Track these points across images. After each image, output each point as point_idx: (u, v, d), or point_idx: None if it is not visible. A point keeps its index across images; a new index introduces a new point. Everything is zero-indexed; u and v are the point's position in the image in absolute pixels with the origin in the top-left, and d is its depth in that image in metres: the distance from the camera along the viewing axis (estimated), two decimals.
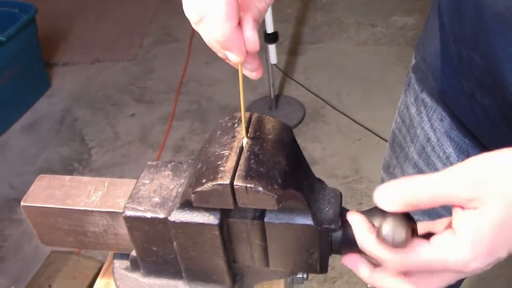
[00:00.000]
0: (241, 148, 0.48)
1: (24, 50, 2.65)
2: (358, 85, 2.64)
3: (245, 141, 0.48)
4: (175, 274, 0.56)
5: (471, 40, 0.58)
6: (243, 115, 0.46)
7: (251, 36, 0.40)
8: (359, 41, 2.96)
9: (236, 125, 0.50)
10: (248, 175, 0.45)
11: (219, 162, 0.47)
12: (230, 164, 0.46)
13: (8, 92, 2.60)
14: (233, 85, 2.69)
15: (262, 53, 2.37)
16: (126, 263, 0.58)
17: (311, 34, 3.08)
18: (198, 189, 0.46)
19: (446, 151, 0.73)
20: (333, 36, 3.04)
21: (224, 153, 0.47)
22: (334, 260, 1.94)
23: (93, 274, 1.09)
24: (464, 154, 0.72)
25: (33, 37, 2.71)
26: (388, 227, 0.44)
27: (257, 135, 0.49)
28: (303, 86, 2.65)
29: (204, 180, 0.46)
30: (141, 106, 2.73)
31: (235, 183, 0.44)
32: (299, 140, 2.41)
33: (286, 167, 0.47)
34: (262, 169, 0.46)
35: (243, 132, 0.48)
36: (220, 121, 0.52)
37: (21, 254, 2.08)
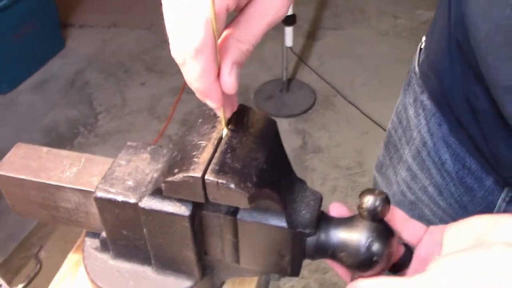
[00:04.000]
0: (220, 140, 0.45)
1: (41, 8, 2.63)
2: (374, 76, 2.59)
3: (224, 132, 0.46)
4: (145, 260, 0.54)
5: (473, 51, 0.56)
6: (223, 111, 0.44)
7: (227, 81, 0.40)
8: (380, 32, 2.90)
9: (218, 114, 0.47)
10: (222, 170, 0.43)
11: (195, 153, 0.44)
12: (205, 156, 0.44)
13: (22, 48, 2.60)
14: (247, 64, 2.62)
15: (279, 35, 2.33)
16: (97, 242, 0.57)
17: (331, 20, 3.02)
18: (169, 179, 0.44)
19: (442, 157, 0.71)
20: (353, 24, 2.98)
21: (201, 143, 0.45)
22: None
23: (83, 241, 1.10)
24: (460, 163, 0.69)
25: None
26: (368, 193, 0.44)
27: (238, 127, 0.46)
28: (316, 73, 2.60)
29: (176, 170, 0.44)
30: (152, 75, 2.72)
31: (206, 177, 0.42)
32: (307, 126, 2.40)
33: (264, 164, 0.45)
34: (237, 165, 0.43)
35: (223, 123, 0.45)
36: (204, 108, 0.49)
37: None
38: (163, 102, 2.55)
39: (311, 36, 2.90)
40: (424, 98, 0.72)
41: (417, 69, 0.74)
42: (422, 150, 0.74)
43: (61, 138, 2.38)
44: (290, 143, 2.26)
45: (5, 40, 2.49)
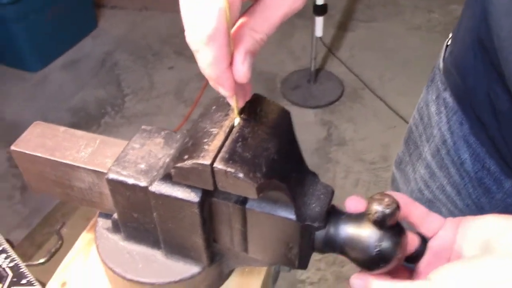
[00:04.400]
0: (232, 128, 0.45)
1: None
2: (404, 71, 2.55)
3: (237, 121, 0.45)
4: (154, 243, 0.54)
5: (496, 50, 0.54)
6: (236, 100, 0.43)
7: (240, 69, 0.40)
8: (413, 26, 2.85)
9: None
10: (231, 159, 0.42)
11: (206, 140, 0.44)
12: (215, 143, 0.44)
13: (54, 27, 2.63)
14: (275, 52, 2.63)
15: (308, 25, 2.31)
16: (109, 223, 0.57)
17: (364, 11, 2.97)
18: (179, 164, 0.44)
19: (462, 157, 0.69)
20: (387, 17, 2.93)
21: (212, 130, 0.45)
22: None
23: None
24: (479, 163, 0.67)
25: None
26: (377, 198, 0.43)
27: (251, 116, 0.46)
28: (345, 65, 2.57)
29: (186, 156, 0.44)
30: (181, 60, 2.72)
31: (215, 165, 0.42)
32: (333, 118, 2.37)
33: (275, 155, 0.44)
34: (247, 154, 0.43)
35: (235, 111, 0.45)
36: (218, 96, 0.49)
37: None
38: (190, 87, 2.56)
39: (342, 27, 2.86)
40: (447, 95, 0.70)
41: (441, 65, 0.73)
42: (441, 148, 0.72)
43: (88, 118, 2.41)
44: (315, 134, 2.24)
45: (39, 18, 2.53)
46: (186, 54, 2.75)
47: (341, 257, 1.54)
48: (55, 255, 1.25)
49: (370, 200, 0.44)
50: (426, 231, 0.49)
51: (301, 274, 1.80)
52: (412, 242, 0.48)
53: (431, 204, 0.80)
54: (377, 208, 0.43)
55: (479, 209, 0.72)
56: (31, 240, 1.89)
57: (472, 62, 0.64)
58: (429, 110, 0.75)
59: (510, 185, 0.66)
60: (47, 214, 1.93)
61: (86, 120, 2.40)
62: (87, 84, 2.61)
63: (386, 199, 0.43)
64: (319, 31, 2.27)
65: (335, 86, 2.48)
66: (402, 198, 0.48)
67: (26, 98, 2.54)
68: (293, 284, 1.76)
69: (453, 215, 0.77)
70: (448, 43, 0.74)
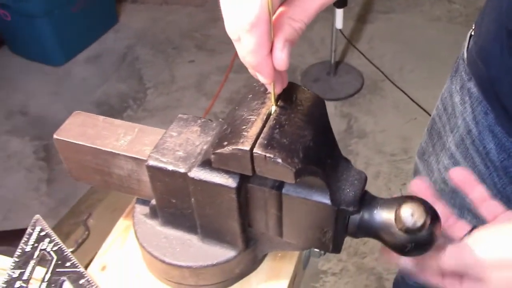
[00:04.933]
0: (269, 116, 0.47)
1: None
2: (424, 62, 2.54)
3: (273, 108, 0.47)
4: (191, 228, 0.56)
5: None
6: (274, 86, 0.45)
7: (279, 57, 0.41)
8: (433, 17, 2.83)
9: (268, 91, 0.49)
10: (269, 145, 0.44)
11: (244, 127, 0.46)
12: (254, 130, 0.45)
13: (78, 21, 2.67)
14: (296, 45, 2.64)
15: (329, 16, 2.31)
16: (147, 209, 0.59)
17: (383, 3, 2.96)
18: (218, 150, 0.45)
19: (487, 147, 0.70)
20: (406, 8, 2.92)
21: (250, 118, 0.47)
22: None
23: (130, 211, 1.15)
24: (505, 152, 0.68)
25: None
26: (407, 209, 0.44)
27: (287, 104, 0.48)
28: (365, 56, 2.57)
29: (225, 143, 0.45)
30: (201, 53, 2.75)
31: (254, 150, 0.44)
32: (353, 110, 2.38)
33: (311, 142, 0.46)
34: (285, 140, 0.45)
35: (272, 99, 0.47)
36: (254, 84, 0.51)
37: (69, 180, 2.16)
38: (211, 80, 2.58)
39: (361, 19, 2.85)
40: (471, 85, 0.71)
41: (465, 55, 0.73)
42: (466, 138, 0.73)
43: (112, 111, 2.45)
44: (335, 126, 2.23)
45: (63, 13, 2.57)
46: (206, 48, 2.77)
47: (362, 248, 1.57)
48: (82, 245, 1.29)
49: (399, 204, 0.45)
50: (487, 215, 0.53)
51: (322, 264, 1.81)
52: (461, 229, 0.51)
53: (455, 195, 0.81)
54: (406, 219, 0.44)
55: (505, 198, 0.72)
56: (58, 231, 1.92)
57: (498, 52, 0.64)
58: (453, 101, 0.76)
59: None
60: (73, 206, 1.97)
61: (109, 113, 2.44)
62: (109, 78, 2.65)
63: (417, 203, 0.45)
64: (339, 23, 2.27)
65: (354, 79, 2.48)
66: (462, 174, 0.51)
67: (50, 92, 2.58)
68: (316, 274, 1.77)
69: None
70: (472, 34, 0.74)
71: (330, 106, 2.35)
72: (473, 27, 0.75)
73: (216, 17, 2.94)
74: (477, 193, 0.53)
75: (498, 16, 0.64)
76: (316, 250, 0.64)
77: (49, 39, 2.61)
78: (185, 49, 2.78)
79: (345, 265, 1.81)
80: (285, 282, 0.59)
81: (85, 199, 1.97)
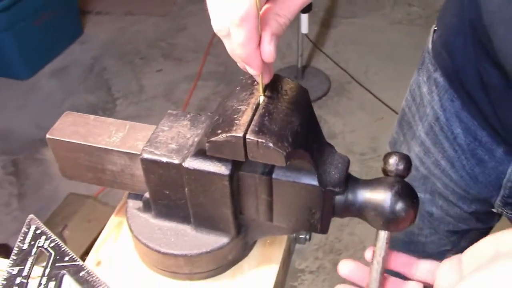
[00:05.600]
0: (258, 105, 0.50)
1: None
2: (388, 64, 2.62)
3: (262, 98, 0.50)
4: (184, 218, 0.59)
5: (486, 26, 0.59)
6: (261, 77, 0.48)
7: (267, 49, 0.44)
8: (394, 20, 2.93)
9: (255, 83, 0.52)
10: (261, 131, 0.47)
11: (235, 116, 0.49)
12: (245, 118, 0.48)
13: (42, 34, 2.65)
14: None
15: (294, 22, 2.36)
16: (139, 203, 0.61)
17: (346, 8, 3.04)
18: (213, 138, 0.48)
19: (454, 132, 0.75)
20: (368, 12, 3.01)
21: (241, 108, 0.50)
22: (341, 233, 1.96)
23: (107, 220, 1.15)
24: (471, 135, 0.73)
25: None
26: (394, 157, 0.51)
27: (274, 94, 0.51)
28: (332, 60, 2.64)
29: (219, 131, 0.48)
30: (168, 62, 2.76)
31: (247, 136, 0.47)
32: (321, 112, 2.43)
33: (298, 128, 0.49)
34: (274, 127, 0.48)
35: (260, 90, 0.50)
36: (241, 78, 0.54)
37: (41, 193, 2.16)
38: (180, 89, 2.60)
39: (326, 24, 2.93)
40: (437, 75, 0.76)
41: (430, 48, 0.78)
42: (435, 125, 0.78)
43: None
44: None
45: (26, 26, 2.55)
46: (173, 57, 2.79)
47: (337, 246, 1.62)
48: None
49: (386, 154, 0.50)
50: (424, 276, 0.51)
51: (299, 263, 1.85)
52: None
53: (426, 180, 0.86)
54: (394, 156, 0.51)
55: (473, 179, 0.78)
56: None
57: (462, 42, 0.69)
58: (421, 91, 0.81)
59: (501, 153, 0.71)
60: (47, 219, 1.96)
61: None
62: (76, 90, 2.64)
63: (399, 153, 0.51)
64: (304, 28, 2.32)
65: (322, 82, 2.54)
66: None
67: (16, 106, 2.55)
68: (294, 273, 1.81)
69: (447, 188, 0.83)
70: (435, 28, 0.80)
71: None
72: (435, 23, 0.80)
73: (181, 27, 2.97)
74: (406, 260, 0.53)
75: (459, 9, 0.69)
76: (301, 236, 0.67)
77: (13, 53, 2.59)
78: (153, 59, 2.79)
79: (322, 262, 1.85)
80: (276, 266, 0.62)
81: (59, 211, 1.96)
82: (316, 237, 1.90)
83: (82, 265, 0.56)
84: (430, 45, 0.80)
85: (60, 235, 1.92)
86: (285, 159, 0.47)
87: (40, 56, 2.72)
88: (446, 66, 0.75)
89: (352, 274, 0.52)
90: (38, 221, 0.61)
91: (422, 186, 0.87)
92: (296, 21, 2.32)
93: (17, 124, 2.45)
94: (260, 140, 0.46)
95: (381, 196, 0.50)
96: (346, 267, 0.53)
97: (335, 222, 1.87)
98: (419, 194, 0.89)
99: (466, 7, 0.66)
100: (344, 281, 0.54)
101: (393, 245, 0.52)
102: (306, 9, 2.23)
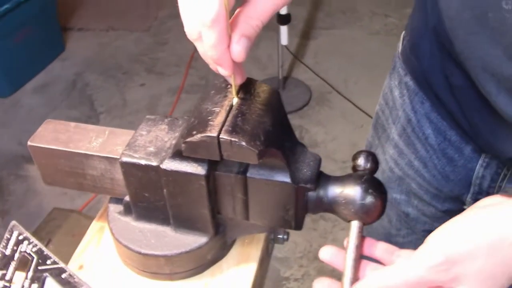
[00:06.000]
0: (231, 107, 0.52)
1: (41, 12, 2.69)
2: (366, 73, 2.67)
3: (235, 100, 0.53)
4: (164, 220, 0.61)
5: (447, 31, 0.63)
6: (233, 79, 0.51)
7: (235, 49, 0.46)
8: (372, 31, 2.98)
9: (229, 86, 0.54)
10: (234, 130, 0.49)
11: (210, 117, 0.51)
12: (219, 119, 0.51)
13: (22, 51, 2.65)
14: (245, 63, 2.72)
15: (274, 34, 2.40)
16: (120, 207, 0.63)
17: (325, 20, 3.10)
18: (188, 139, 0.50)
19: (425, 132, 0.78)
20: (346, 24, 3.06)
21: (215, 109, 0.52)
22: (325, 240, 1.97)
23: None
24: (441, 135, 0.76)
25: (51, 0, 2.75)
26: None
27: (247, 96, 0.53)
28: (312, 70, 2.68)
29: (194, 132, 0.50)
30: (151, 76, 2.78)
31: (221, 136, 0.49)
32: (303, 122, 2.46)
33: (270, 127, 0.52)
34: (247, 127, 0.50)
35: (233, 92, 0.52)
36: (216, 82, 0.56)
37: (25, 209, 2.15)
38: (163, 102, 2.61)
39: (305, 36, 2.97)
40: (408, 79, 0.79)
41: (400, 53, 0.82)
42: (407, 127, 0.81)
43: None
44: None
45: (6, 43, 2.55)
46: (156, 71, 2.81)
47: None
48: None
49: (355, 154, 0.53)
50: (381, 255, 0.55)
51: (284, 271, 1.86)
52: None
53: (401, 181, 0.89)
54: (361, 154, 0.54)
55: (445, 178, 0.80)
56: None
57: (427, 46, 0.73)
58: (393, 95, 0.84)
59: (469, 151, 0.75)
60: (32, 233, 1.95)
61: None
62: (59, 106, 2.64)
63: (367, 151, 0.52)
64: (284, 40, 2.36)
65: (303, 92, 2.58)
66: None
67: None
68: (279, 281, 1.82)
69: (421, 188, 0.86)
70: (404, 35, 0.83)
71: None
72: (405, 29, 0.83)
73: (162, 41, 2.99)
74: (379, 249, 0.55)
75: (424, 15, 0.72)
76: (279, 236, 0.70)
77: None
78: (135, 73, 2.81)
79: (307, 270, 1.86)
80: (254, 265, 0.64)
81: (43, 226, 1.95)
82: (300, 245, 1.92)
83: (64, 267, 0.57)
84: (399, 50, 0.83)
85: None
86: (257, 156, 0.49)
87: (21, 73, 2.72)
88: (415, 69, 0.78)
89: (333, 260, 0.55)
90: (20, 227, 0.62)
91: (398, 187, 0.90)
92: (275, 33, 2.36)
93: None
94: (233, 139, 0.49)
95: (352, 190, 0.53)
96: (328, 253, 0.55)
97: (319, 229, 1.92)
98: (395, 195, 0.92)
99: (430, 13, 0.70)
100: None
101: None
102: (285, 21, 2.27)
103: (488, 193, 0.78)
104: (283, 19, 2.27)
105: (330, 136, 2.37)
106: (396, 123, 0.85)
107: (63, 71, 2.85)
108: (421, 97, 0.78)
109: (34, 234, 1.92)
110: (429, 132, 0.78)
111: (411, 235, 0.97)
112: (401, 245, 1.00)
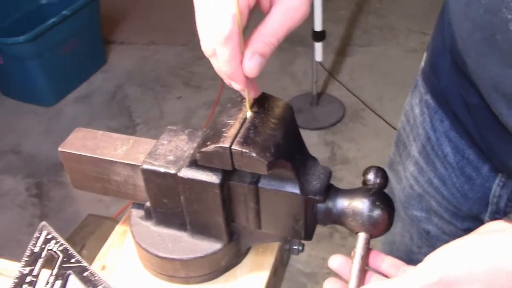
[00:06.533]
0: (245, 120, 0.55)
1: (86, 25, 2.81)
2: (402, 91, 2.64)
3: (249, 114, 0.56)
4: (181, 226, 0.64)
5: (460, 51, 0.64)
6: (247, 93, 0.54)
7: (247, 65, 0.49)
8: (408, 48, 2.97)
9: (244, 100, 0.57)
10: (245, 142, 0.52)
11: (224, 129, 0.54)
12: (232, 131, 0.54)
13: (67, 63, 2.77)
14: (278, 78, 2.76)
15: (309, 51, 2.43)
16: (141, 212, 0.67)
17: (361, 37, 3.11)
18: (203, 149, 0.54)
19: (444, 151, 0.79)
20: (383, 41, 3.06)
21: (229, 122, 0.55)
22: None
23: None
24: (460, 154, 0.77)
25: (95, 14, 2.87)
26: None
27: (260, 110, 0.56)
28: (345, 87, 2.69)
29: (209, 143, 0.54)
30: (188, 89, 2.85)
31: (233, 147, 0.52)
32: (336, 138, 2.47)
33: (281, 140, 0.54)
34: (258, 139, 0.53)
35: (247, 106, 0.55)
36: (233, 96, 0.59)
37: (62, 215, 2.24)
38: (198, 114, 2.67)
39: (341, 53, 2.99)
40: (428, 97, 0.80)
41: (421, 72, 0.83)
42: (426, 145, 0.82)
43: None
44: (318, 154, 2.33)
45: (53, 55, 2.67)
46: (193, 84, 2.88)
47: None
48: None
49: (365, 169, 0.55)
50: (388, 269, 0.55)
51: (312, 287, 1.86)
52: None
53: (421, 199, 0.89)
54: (371, 170, 0.56)
55: (463, 196, 0.81)
56: None
57: (446, 65, 0.74)
58: (414, 112, 0.85)
59: (486, 170, 0.75)
60: (67, 238, 2.03)
61: None
62: (99, 116, 2.74)
63: (377, 167, 0.56)
64: (318, 56, 2.39)
65: (336, 108, 2.59)
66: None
67: (42, 131, 2.66)
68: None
69: (441, 206, 0.86)
70: (426, 54, 0.85)
71: (314, 135, 2.45)
72: (427, 47, 0.85)
73: (200, 56, 3.02)
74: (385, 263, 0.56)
75: (441, 35, 0.74)
76: (294, 247, 0.72)
77: (40, 81, 2.70)
78: (173, 86, 2.89)
79: None
80: (266, 273, 0.66)
81: (78, 232, 2.03)
82: None
83: (87, 266, 0.61)
84: (421, 68, 0.85)
85: (79, 254, 1.99)
86: (267, 167, 0.52)
87: (65, 83, 2.84)
88: (434, 88, 0.79)
89: (341, 268, 0.56)
90: (49, 227, 0.66)
91: (418, 204, 0.91)
92: (311, 50, 2.39)
93: (41, 148, 2.55)
94: (244, 150, 0.52)
95: (360, 202, 0.55)
96: (336, 261, 0.57)
97: (347, 246, 1.93)
98: (416, 212, 0.93)
99: (446, 33, 0.71)
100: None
101: None
102: (320, 37, 2.30)
103: (505, 213, 0.78)
104: (318, 36, 2.29)
105: (362, 153, 2.36)
106: (416, 140, 0.86)
107: (104, 83, 2.96)
108: (440, 115, 0.79)
109: (69, 239, 2.01)
110: (448, 150, 0.79)
111: None
112: None
